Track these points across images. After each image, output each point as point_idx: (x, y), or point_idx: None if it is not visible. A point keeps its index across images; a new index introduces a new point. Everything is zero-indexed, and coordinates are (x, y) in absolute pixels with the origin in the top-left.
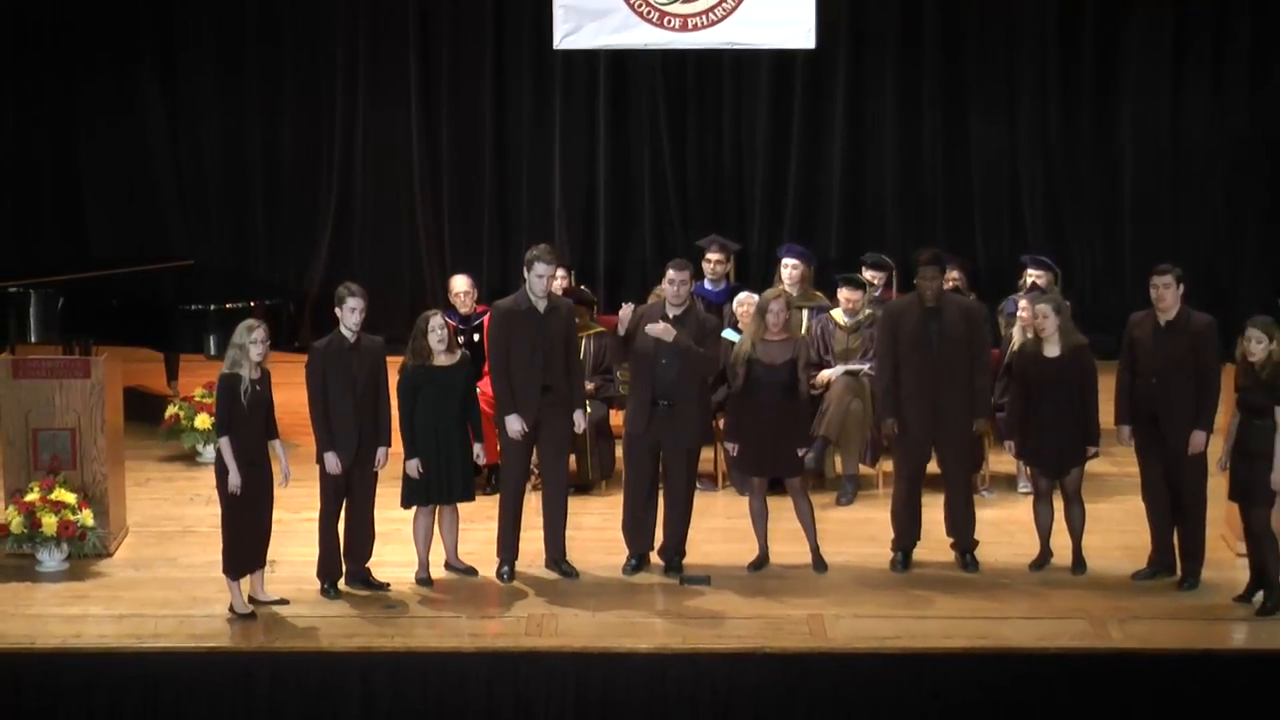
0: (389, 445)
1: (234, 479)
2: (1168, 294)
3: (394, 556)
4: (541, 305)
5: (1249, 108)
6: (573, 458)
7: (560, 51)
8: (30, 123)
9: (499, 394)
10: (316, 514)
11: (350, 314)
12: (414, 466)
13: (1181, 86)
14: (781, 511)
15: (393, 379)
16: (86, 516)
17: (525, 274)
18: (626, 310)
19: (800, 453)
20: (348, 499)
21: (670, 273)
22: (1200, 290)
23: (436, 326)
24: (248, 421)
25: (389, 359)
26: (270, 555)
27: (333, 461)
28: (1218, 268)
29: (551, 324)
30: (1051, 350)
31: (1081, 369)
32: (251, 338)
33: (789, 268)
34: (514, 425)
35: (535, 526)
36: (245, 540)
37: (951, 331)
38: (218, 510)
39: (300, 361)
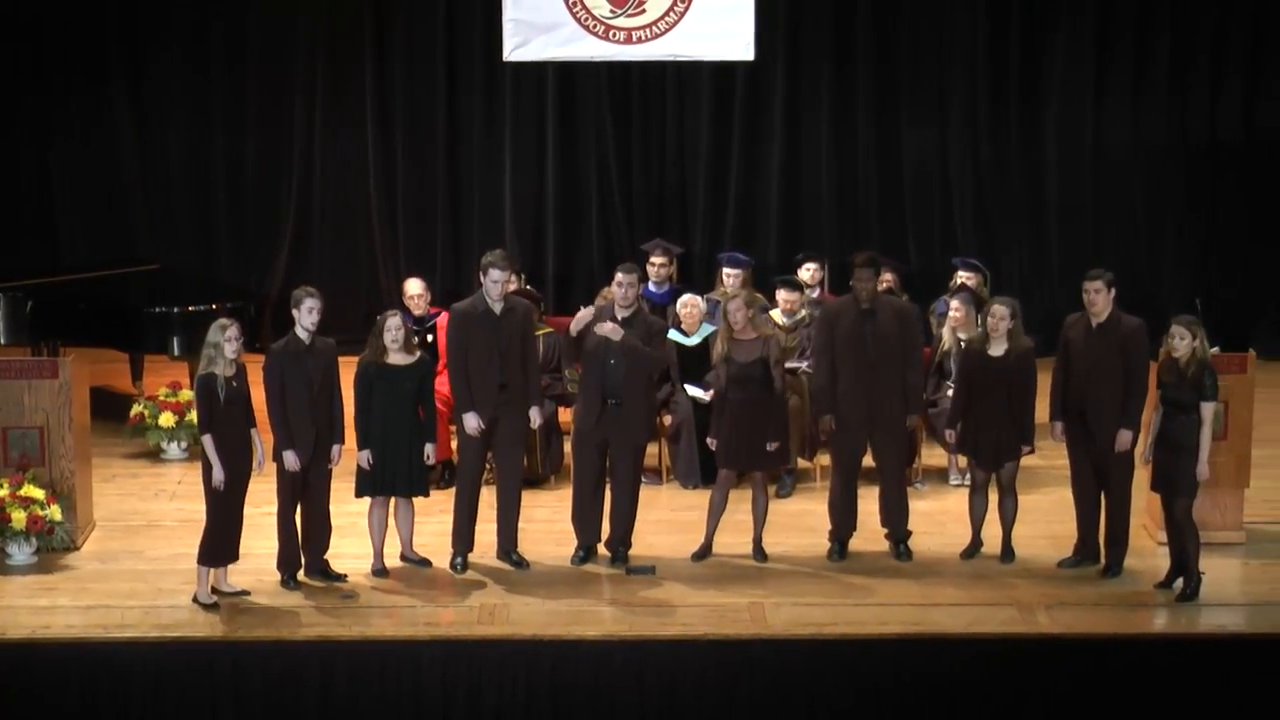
0: (343, 442)
1: (218, 474)
2: (1099, 298)
3: (351, 549)
4: (498, 308)
5: (1167, 117)
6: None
7: (510, 64)
8: (6, 135)
9: (457, 393)
10: (275, 509)
11: (307, 315)
12: (365, 457)
13: (1103, 97)
14: (730, 503)
15: (350, 376)
16: (55, 512)
17: (481, 279)
18: (587, 313)
19: (770, 447)
20: (305, 494)
21: (619, 276)
22: (1121, 290)
23: (393, 327)
24: (227, 417)
25: (343, 359)
26: None
27: (291, 459)
28: (1139, 269)
29: (508, 325)
30: (997, 350)
31: (1023, 370)
32: (225, 336)
33: (730, 276)
34: (471, 422)
35: (486, 519)
36: (228, 532)
37: (885, 331)
38: (182, 505)
39: (260, 362)
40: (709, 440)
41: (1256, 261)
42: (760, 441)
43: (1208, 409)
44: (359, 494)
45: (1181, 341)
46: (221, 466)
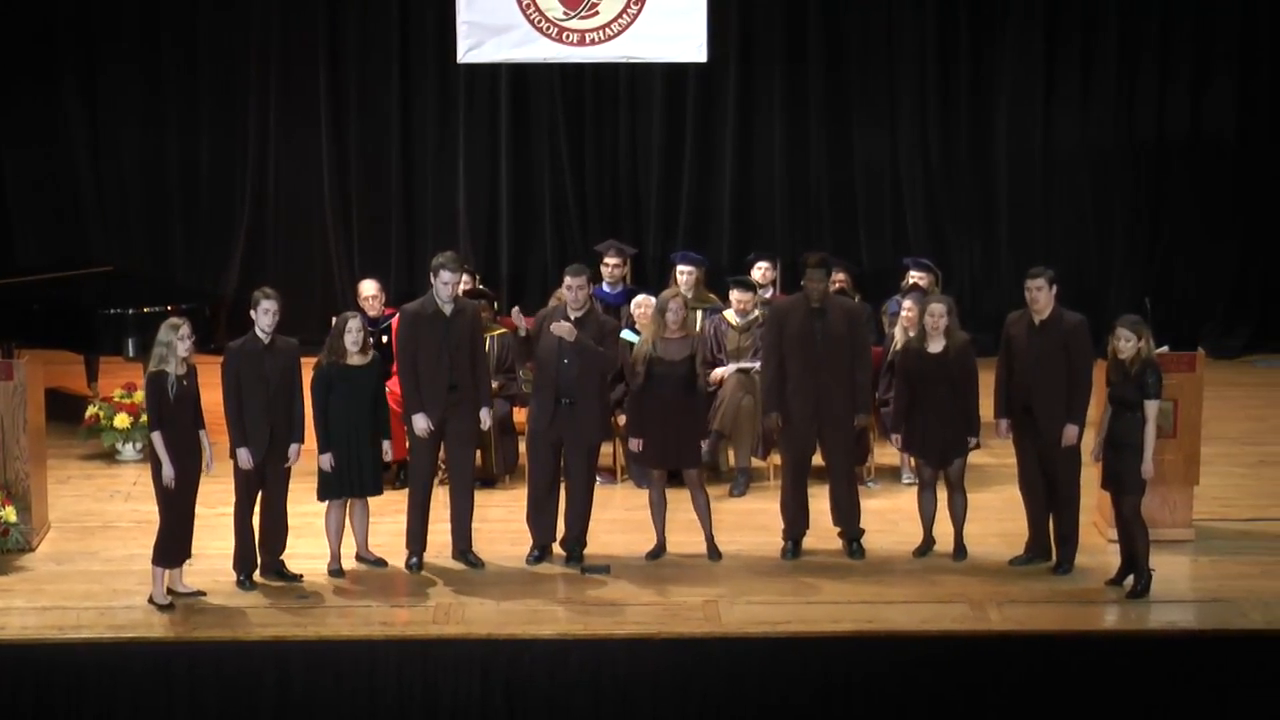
0: (301, 442)
1: (168, 471)
2: (1041, 295)
3: (307, 549)
4: (448, 309)
5: (1115, 117)
6: (478, 453)
7: (463, 66)
8: None
9: (407, 393)
10: (232, 508)
11: (264, 316)
12: (327, 460)
13: (1052, 97)
14: (678, 503)
15: (305, 377)
16: (10, 513)
17: (432, 280)
18: (515, 312)
19: (704, 445)
20: (261, 493)
21: (568, 279)
22: (1070, 289)
23: (354, 328)
24: (177, 416)
25: (304, 359)
26: None
27: (245, 457)
28: (1087, 268)
29: (457, 326)
30: (935, 346)
31: (963, 364)
32: (178, 334)
33: (684, 274)
34: (420, 423)
35: (442, 519)
36: (181, 532)
37: (834, 330)
38: (137, 506)
39: (216, 362)
40: (632, 443)
41: (1205, 260)
42: (687, 440)
43: (1151, 407)
44: (322, 497)
45: (1127, 344)
46: (171, 464)
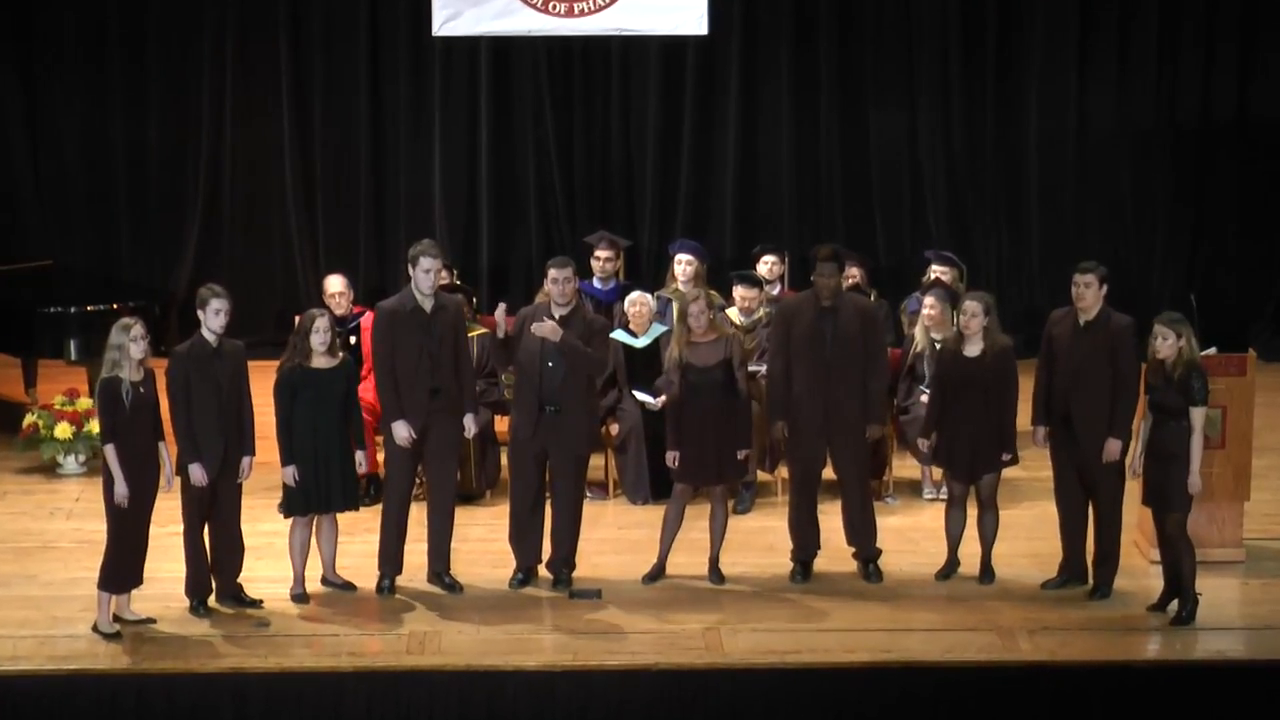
0: (253, 454)
1: (120, 489)
2: (1088, 293)
3: (268, 571)
4: (428, 304)
5: (1155, 98)
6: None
7: (439, 39)
8: None
9: (386, 400)
10: (182, 529)
11: (214, 316)
12: (290, 474)
13: (1086, 76)
14: (687, 521)
15: (266, 383)
16: None
17: (410, 271)
18: (500, 311)
19: (740, 455)
20: (212, 512)
21: (552, 272)
22: (1108, 284)
23: (320, 328)
24: (133, 426)
25: (255, 363)
26: None
27: (197, 473)
28: (1124, 263)
29: (440, 323)
30: (973, 350)
31: (1002, 371)
32: (130, 336)
33: (683, 264)
34: (401, 432)
35: (416, 538)
36: (131, 553)
37: (846, 331)
38: (80, 524)
39: (164, 366)
40: (669, 457)
41: (1253, 254)
42: (729, 452)
43: (1197, 414)
44: (288, 513)
45: (1164, 342)
46: (124, 480)
